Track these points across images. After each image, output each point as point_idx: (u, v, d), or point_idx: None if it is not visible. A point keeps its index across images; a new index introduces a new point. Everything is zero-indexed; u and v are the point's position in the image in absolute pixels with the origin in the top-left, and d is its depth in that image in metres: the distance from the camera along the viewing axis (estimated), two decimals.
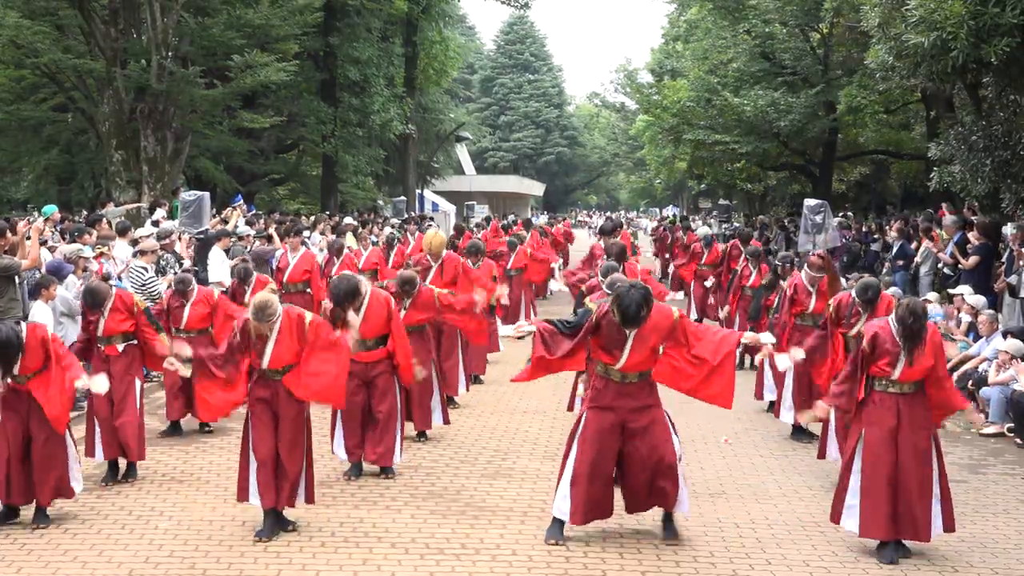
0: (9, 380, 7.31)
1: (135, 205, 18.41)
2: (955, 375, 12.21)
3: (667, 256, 27.63)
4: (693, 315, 19.09)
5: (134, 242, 13.59)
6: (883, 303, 8.55)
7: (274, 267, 14.73)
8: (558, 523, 7.21)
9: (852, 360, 7.24)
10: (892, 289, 15.01)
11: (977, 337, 12.67)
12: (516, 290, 17.68)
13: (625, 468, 7.23)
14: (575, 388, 9.16)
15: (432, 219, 31.10)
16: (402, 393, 9.09)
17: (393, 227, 25.86)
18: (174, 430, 10.45)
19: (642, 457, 7.09)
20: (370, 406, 8.83)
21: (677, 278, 23.97)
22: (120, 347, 8.83)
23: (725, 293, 16.80)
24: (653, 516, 7.61)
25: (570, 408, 9.43)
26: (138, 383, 8.93)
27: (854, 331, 8.49)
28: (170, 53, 21.16)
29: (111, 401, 8.63)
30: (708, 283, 17.93)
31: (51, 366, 7.40)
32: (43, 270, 11.30)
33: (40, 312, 10.61)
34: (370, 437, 8.82)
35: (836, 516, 7.20)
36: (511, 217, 37.43)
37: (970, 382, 11.83)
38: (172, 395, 10.31)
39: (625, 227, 33.36)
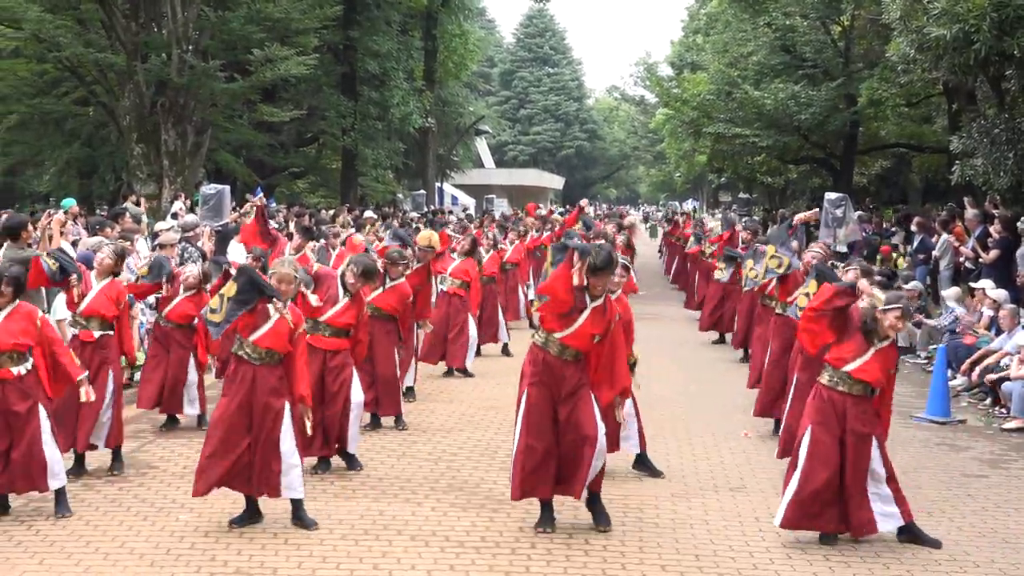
0: None
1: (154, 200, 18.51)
2: (977, 369, 12.17)
3: (677, 256, 27.06)
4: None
5: (154, 235, 13.64)
6: None
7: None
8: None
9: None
10: (912, 283, 14.97)
11: (999, 331, 12.60)
12: (512, 282, 17.76)
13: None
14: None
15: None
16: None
17: (412, 221, 25.88)
18: (172, 423, 10.37)
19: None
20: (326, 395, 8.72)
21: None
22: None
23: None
24: (676, 511, 7.63)
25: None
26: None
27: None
28: (190, 47, 21.27)
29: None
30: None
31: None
32: None
33: (64, 305, 10.65)
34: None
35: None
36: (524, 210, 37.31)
37: (991, 376, 11.77)
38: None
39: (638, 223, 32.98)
